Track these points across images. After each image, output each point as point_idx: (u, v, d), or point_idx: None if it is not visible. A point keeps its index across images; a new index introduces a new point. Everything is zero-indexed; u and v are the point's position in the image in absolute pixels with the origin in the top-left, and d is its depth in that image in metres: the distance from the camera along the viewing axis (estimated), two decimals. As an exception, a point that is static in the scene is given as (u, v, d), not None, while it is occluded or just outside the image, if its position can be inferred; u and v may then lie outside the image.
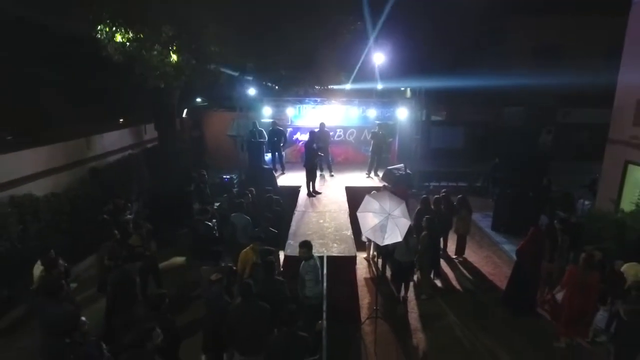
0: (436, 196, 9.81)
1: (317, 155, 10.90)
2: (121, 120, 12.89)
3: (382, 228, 5.83)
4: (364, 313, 7.49)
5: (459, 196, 10.16)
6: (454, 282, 8.97)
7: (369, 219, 5.97)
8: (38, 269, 5.96)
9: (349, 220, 9.10)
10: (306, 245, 5.92)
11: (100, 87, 11.49)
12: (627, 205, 9.13)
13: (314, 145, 10.64)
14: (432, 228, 7.73)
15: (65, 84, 10.26)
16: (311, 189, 11.06)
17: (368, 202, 6.16)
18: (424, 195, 9.89)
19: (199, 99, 18.34)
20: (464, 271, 9.56)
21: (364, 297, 8.16)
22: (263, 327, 4.78)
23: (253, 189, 9.92)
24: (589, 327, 6.50)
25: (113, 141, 11.59)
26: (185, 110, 17.12)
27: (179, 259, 9.73)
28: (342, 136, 16.18)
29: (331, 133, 14.99)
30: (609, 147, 9.90)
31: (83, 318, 4.35)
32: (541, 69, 20.51)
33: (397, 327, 7.19)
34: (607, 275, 6.58)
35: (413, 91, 24.40)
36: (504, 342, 6.82)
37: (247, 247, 6.73)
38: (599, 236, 8.52)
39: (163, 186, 11.57)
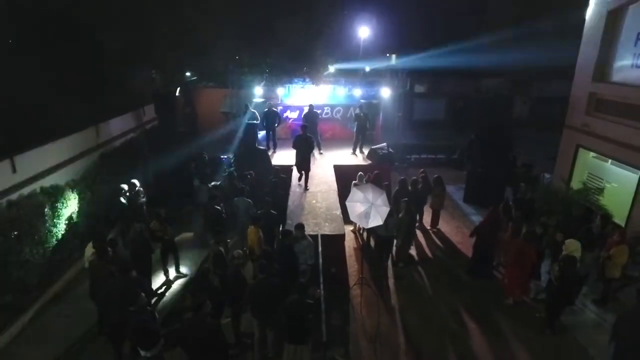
0: (414, 177, 11.11)
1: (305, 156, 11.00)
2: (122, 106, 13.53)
3: (366, 215, 7.15)
4: (352, 279, 8.96)
5: (435, 176, 11.45)
6: (427, 251, 10.51)
7: (355, 207, 7.26)
8: (89, 250, 7.14)
9: (337, 199, 10.42)
10: (300, 228, 7.26)
11: (100, 77, 12.21)
12: (576, 183, 10.64)
13: (307, 133, 11.34)
14: (410, 209, 9.10)
15: (68, 77, 10.97)
16: (303, 183, 11.25)
17: (354, 193, 7.43)
18: (402, 178, 11.14)
19: (187, 73, 18.89)
20: (437, 241, 11.10)
21: (352, 265, 9.64)
22: (276, 298, 6.13)
23: (252, 172, 11.05)
24: (527, 287, 8.11)
25: (117, 126, 12.42)
26: (177, 89, 17.72)
27: (188, 234, 10.95)
28: (330, 114, 17.16)
29: (319, 111, 15.96)
30: (565, 131, 11.27)
31: (143, 294, 5.62)
32: (520, 41, 21.55)
33: (379, 290, 8.70)
34: (547, 244, 8.11)
35: (397, 63, 25.37)
36: (466, 300, 8.42)
37: (251, 227, 7.99)
38: (549, 211, 10.06)
39: (166, 167, 12.60)
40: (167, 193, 12.19)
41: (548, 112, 23.23)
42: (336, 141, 16.50)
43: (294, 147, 10.66)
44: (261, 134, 15.32)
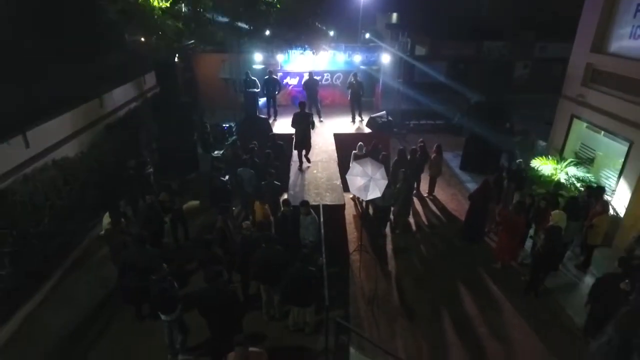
0: (412, 147, 11.42)
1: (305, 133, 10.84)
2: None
3: (365, 188, 7.56)
4: (351, 246, 9.53)
5: (435, 145, 11.74)
6: (423, 218, 11.03)
7: (355, 181, 7.65)
8: (107, 219, 7.60)
9: (338, 169, 10.81)
10: (305, 205, 7.69)
11: (98, 47, 12.19)
12: (568, 153, 10.99)
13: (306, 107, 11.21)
14: (408, 180, 9.51)
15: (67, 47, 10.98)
16: (302, 158, 11.02)
17: (354, 167, 7.80)
18: (401, 147, 11.44)
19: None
20: (433, 208, 11.60)
21: (352, 233, 10.18)
22: (280, 265, 6.67)
23: (256, 142, 11.33)
24: (516, 254, 8.68)
25: (120, 96, 12.54)
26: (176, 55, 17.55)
27: (194, 203, 11.41)
28: (330, 80, 17.20)
29: (318, 78, 15.97)
30: (561, 101, 11.46)
31: (164, 265, 6.13)
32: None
33: (377, 256, 9.28)
34: (533, 213, 8.60)
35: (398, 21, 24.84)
36: (458, 264, 9.02)
37: (257, 203, 8.40)
38: (540, 181, 10.49)
39: (169, 136, 12.86)
40: (171, 162, 12.53)
41: (549, 74, 23.15)
42: (336, 108, 16.64)
43: (293, 125, 10.66)
44: (261, 101, 15.40)
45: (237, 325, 5.86)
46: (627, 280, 6.02)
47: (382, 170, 7.70)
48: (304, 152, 10.93)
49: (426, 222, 10.83)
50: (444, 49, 24.17)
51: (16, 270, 7.21)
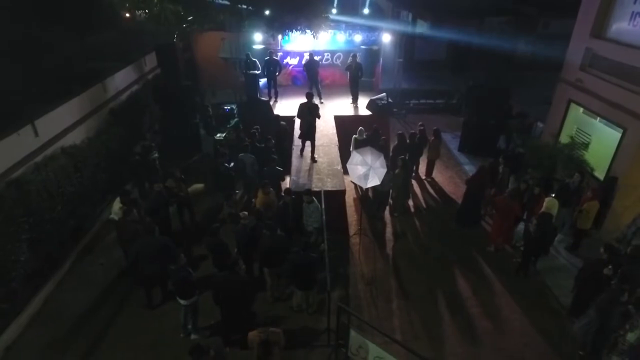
0: (412, 131, 11.65)
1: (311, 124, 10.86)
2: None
3: (365, 176, 7.87)
4: (352, 229, 9.93)
5: (434, 128, 11.96)
6: (422, 201, 11.39)
7: (355, 169, 7.97)
8: (117, 204, 7.95)
9: (338, 154, 11.08)
10: (308, 193, 8.01)
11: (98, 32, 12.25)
12: (564, 138, 11.22)
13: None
14: (406, 166, 9.81)
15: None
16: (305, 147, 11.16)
17: (354, 156, 8.09)
18: (400, 132, 11.62)
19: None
20: (431, 190, 11.94)
21: (352, 216, 10.56)
22: (282, 250, 7.06)
23: (258, 127, 11.53)
24: (510, 237, 9.08)
25: (121, 80, 12.63)
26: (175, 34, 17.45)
27: (199, 186, 11.73)
28: (330, 60, 17.14)
29: (318, 58, 15.93)
30: (559, 86, 11.58)
31: (182, 255, 6.53)
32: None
33: (376, 238, 9.70)
34: (528, 199, 8.94)
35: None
36: (454, 246, 9.45)
37: (259, 191, 8.70)
38: (537, 165, 10.78)
39: (171, 119, 13.06)
40: (174, 144, 12.79)
41: (551, 50, 22.94)
42: (336, 88, 16.66)
43: (299, 116, 10.70)
44: (262, 81, 15.44)
45: (248, 310, 6.31)
46: (610, 267, 6.42)
47: (382, 158, 8.00)
48: (309, 148, 11.01)
49: (424, 205, 11.20)
50: (444, 24, 23.85)
51: (34, 255, 7.61)
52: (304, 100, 10.92)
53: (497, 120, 13.42)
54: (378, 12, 18.98)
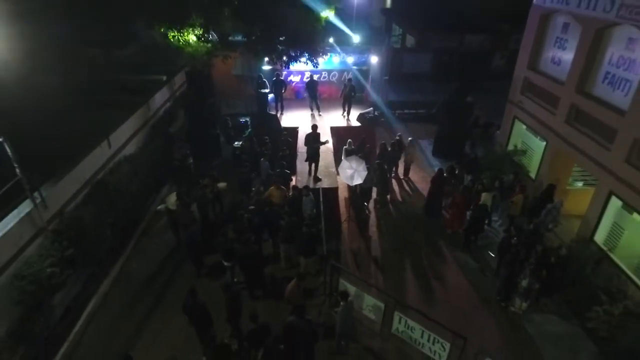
0: (392, 141, 14.67)
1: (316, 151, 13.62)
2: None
3: (351, 177, 10.91)
4: (343, 216, 12.94)
5: (409, 139, 14.97)
6: (399, 196, 14.43)
7: (345, 172, 11.00)
8: (173, 198, 10.94)
9: (333, 159, 14.11)
10: (306, 189, 11.03)
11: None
12: (511, 147, 14.26)
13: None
14: (382, 169, 12.85)
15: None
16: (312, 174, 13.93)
17: (344, 162, 11.14)
18: (382, 142, 14.60)
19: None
20: (407, 187, 14.98)
21: (343, 206, 13.58)
22: (296, 230, 10.09)
23: (268, 137, 14.52)
24: (461, 223, 12.10)
25: (159, 99, 15.65)
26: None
27: (222, 184, 14.69)
28: (327, 77, 20.24)
29: (317, 76, 19.00)
30: (507, 105, 14.62)
31: (229, 231, 9.56)
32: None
33: (362, 225, 12.71)
34: (473, 196, 11.98)
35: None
36: (421, 230, 12.46)
37: (272, 188, 11.68)
38: (489, 168, 13.80)
39: (198, 129, 16.05)
40: (199, 150, 15.77)
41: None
42: (332, 101, 19.77)
43: (306, 143, 13.61)
44: (270, 96, 18.51)
45: (261, 273, 9.39)
46: (514, 238, 9.49)
47: (364, 164, 11.06)
48: (313, 167, 13.96)
49: (400, 199, 14.24)
50: (430, 40, 26.86)
51: (112, 235, 10.65)
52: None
53: (464, 129, 16.44)
54: (372, 32, 21.95)
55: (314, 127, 13.79)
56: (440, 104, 19.64)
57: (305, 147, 13.71)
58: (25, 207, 8.29)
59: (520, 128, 14.07)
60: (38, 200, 8.46)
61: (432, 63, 27.43)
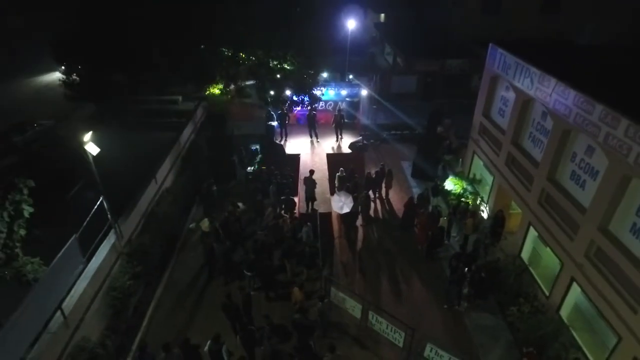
0: (376, 170, 18.17)
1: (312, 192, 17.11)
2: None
3: (341, 207, 14.48)
4: (335, 234, 16.49)
5: (387, 169, 18.44)
6: (380, 214, 17.97)
7: (336, 204, 14.55)
8: (206, 222, 14.45)
9: (329, 186, 17.63)
10: (304, 220, 14.58)
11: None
12: (471, 175, 17.78)
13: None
14: (367, 197, 16.39)
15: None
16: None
17: (335, 197, 14.67)
18: (368, 172, 18.08)
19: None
20: (387, 207, 18.52)
21: (335, 226, 17.12)
22: (298, 248, 13.66)
23: (273, 167, 17.97)
24: (425, 240, 15.63)
25: (186, 134, 19.10)
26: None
27: (243, 207, 18.19)
28: (324, 106, 23.64)
29: (315, 105, 22.42)
30: (470, 142, 18.08)
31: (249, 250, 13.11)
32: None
33: (351, 239, 16.27)
34: (435, 219, 15.51)
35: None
36: (397, 244, 16.02)
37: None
38: (449, 195, 17.32)
39: (217, 157, 19.51)
40: (217, 174, 19.26)
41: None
42: (328, 127, 23.18)
43: (305, 184, 16.99)
44: (274, 123, 21.97)
45: (273, 280, 12.99)
46: (457, 256, 13.10)
47: (350, 197, 14.62)
48: (311, 203, 17.35)
49: (381, 217, 17.80)
50: (416, 64, 30.10)
51: (162, 251, 14.22)
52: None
53: (435, 155, 19.87)
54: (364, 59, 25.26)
55: (311, 171, 17.15)
56: (428, 121, 22.69)
57: (304, 179, 17.23)
58: (110, 239, 11.84)
59: (478, 162, 17.56)
60: (118, 233, 12.01)
61: (417, 84, 30.72)
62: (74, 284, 10.24)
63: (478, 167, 17.67)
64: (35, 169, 10.08)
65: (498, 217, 14.75)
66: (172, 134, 19.45)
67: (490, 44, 15.78)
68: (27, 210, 10.29)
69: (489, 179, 16.58)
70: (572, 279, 11.10)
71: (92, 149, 10.05)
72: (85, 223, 10.36)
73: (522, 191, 13.67)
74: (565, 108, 11.14)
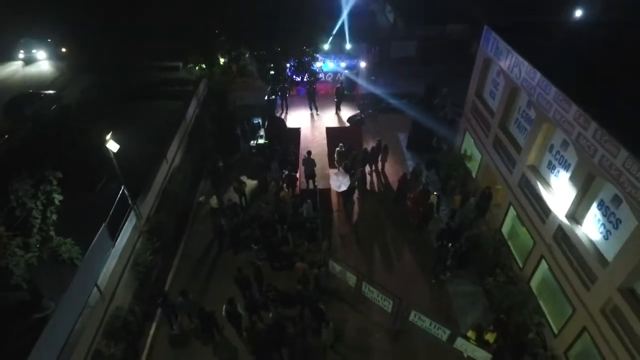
0: (372, 145, 19.20)
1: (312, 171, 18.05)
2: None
3: (339, 186, 15.74)
4: (334, 207, 17.87)
5: (384, 144, 19.44)
6: (375, 187, 19.26)
7: (334, 182, 15.79)
8: (214, 199, 15.80)
9: (328, 161, 18.76)
10: (305, 196, 15.87)
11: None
12: (462, 152, 18.86)
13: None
14: (363, 174, 17.58)
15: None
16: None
17: (334, 174, 15.86)
18: (364, 147, 19.11)
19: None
20: (382, 179, 19.76)
21: (334, 199, 18.47)
22: (301, 221, 15.10)
23: (276, 143, 18.99)
24: (418, 214, 17.06)
25: (191, 110, 19.89)
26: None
27: (249, 182, 19.47)
28: (323, 77, 24.13)
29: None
30: (462, 119, 18.94)
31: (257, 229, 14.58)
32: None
33: (349, 213, 17.68)
34: (425, 195, 16.82)
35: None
36: (391, 216, 17.45)
37: (283, 192, 16.50)
38: (446, 166, 18.47)
39: (221, 132, 20.46)
40: (222, 148, 20.30)
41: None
42: (328, 98, 23.86)
43: (303, 164, 17.90)
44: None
45: (278, 252, 14.54)
46: (444, 231, 14.57)
47: (347, 176, 15.83)
48: (312, 181, 18.39)
49: (377, 190, 19.11)
50: (414, 29, 30.01)
51: (175, 224, 15.67)
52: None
53: (433, 125, 20.76)
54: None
55: (309, 152, 18.04)
56: (426, 90, 23.25)
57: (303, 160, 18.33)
58: (132, 220, 13.20)
59: (469, 140, 18.55)
60: (138, 214, 13.35)
61: (417, 48, 30.79)
62: (105, 263, 11.73)
63: (469, 144, 18.69)
64: (63, 166, 11.10)
65: (485, 194, 16.03)
66: (176, 103, 20.35)
67: (485, 27, 16.21)
68: (57, 198, 11.52)
69: (478, 156, 17.67)
70: (542, 257, 12.60)
71: (113, 146, 11.08)
72: (111, 212, 11.65)
73: (505, 173, 14.84)
74: (546, 103, 12.03)
